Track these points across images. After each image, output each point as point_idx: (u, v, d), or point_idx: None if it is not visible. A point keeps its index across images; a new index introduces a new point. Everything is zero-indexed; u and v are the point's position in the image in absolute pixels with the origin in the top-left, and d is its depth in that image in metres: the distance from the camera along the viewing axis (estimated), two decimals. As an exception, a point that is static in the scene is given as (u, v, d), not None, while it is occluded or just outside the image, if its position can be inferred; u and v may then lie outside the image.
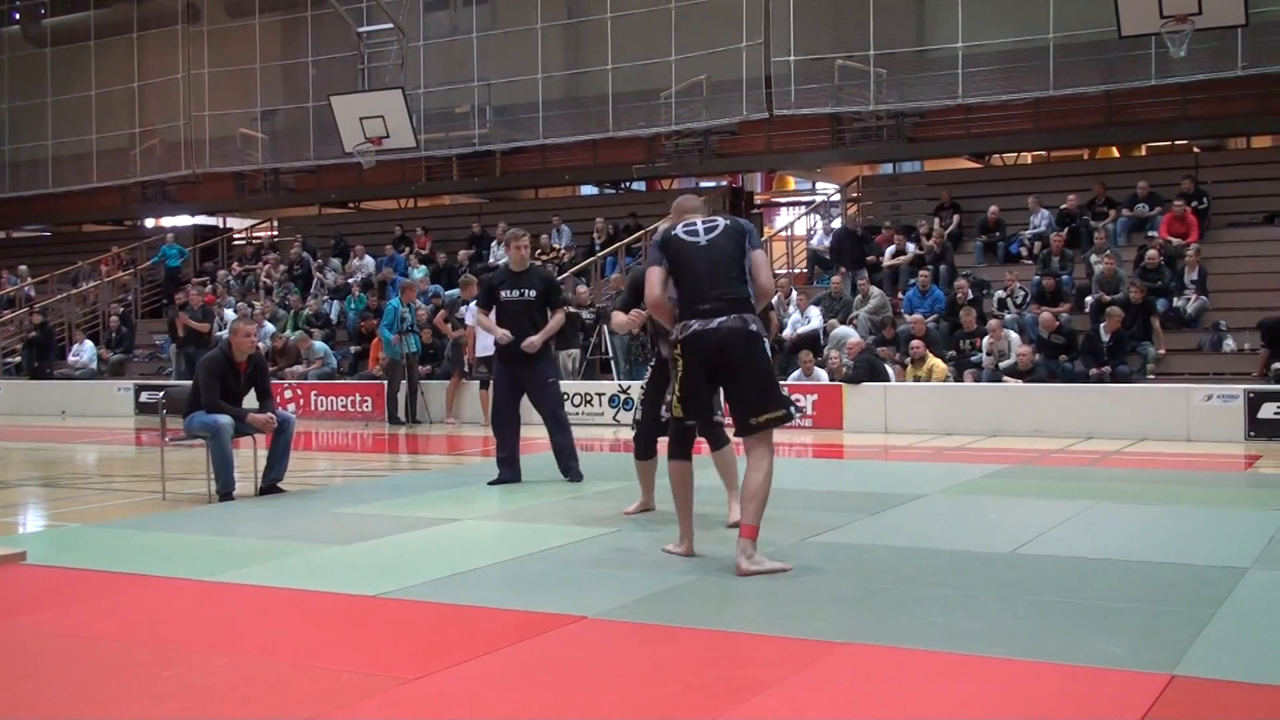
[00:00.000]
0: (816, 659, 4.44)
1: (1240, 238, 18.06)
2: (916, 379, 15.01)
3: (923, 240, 19.04)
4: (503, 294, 9.27)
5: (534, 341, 9.10)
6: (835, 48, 20.54)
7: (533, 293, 9.28)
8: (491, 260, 21.44)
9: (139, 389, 19.68)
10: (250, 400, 9.36)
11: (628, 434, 14.99)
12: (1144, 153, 22.00)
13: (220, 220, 29.59)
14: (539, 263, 9.53)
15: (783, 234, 23.84)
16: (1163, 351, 15.62)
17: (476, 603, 5.46)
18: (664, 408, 6.43)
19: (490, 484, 9.36)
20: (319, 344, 19.57)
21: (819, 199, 24.77)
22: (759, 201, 26.27)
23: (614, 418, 16.04)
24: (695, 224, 6.25)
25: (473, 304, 16.26)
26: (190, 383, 9.60)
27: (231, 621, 5.29)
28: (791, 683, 4.18)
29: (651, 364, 7.33)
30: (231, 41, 25.85)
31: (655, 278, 6.21)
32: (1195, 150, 20.53)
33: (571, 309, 17.77)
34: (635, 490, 9.09)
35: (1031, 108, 19.87)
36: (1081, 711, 3.89)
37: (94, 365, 22.28)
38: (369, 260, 22.64)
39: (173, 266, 25.42)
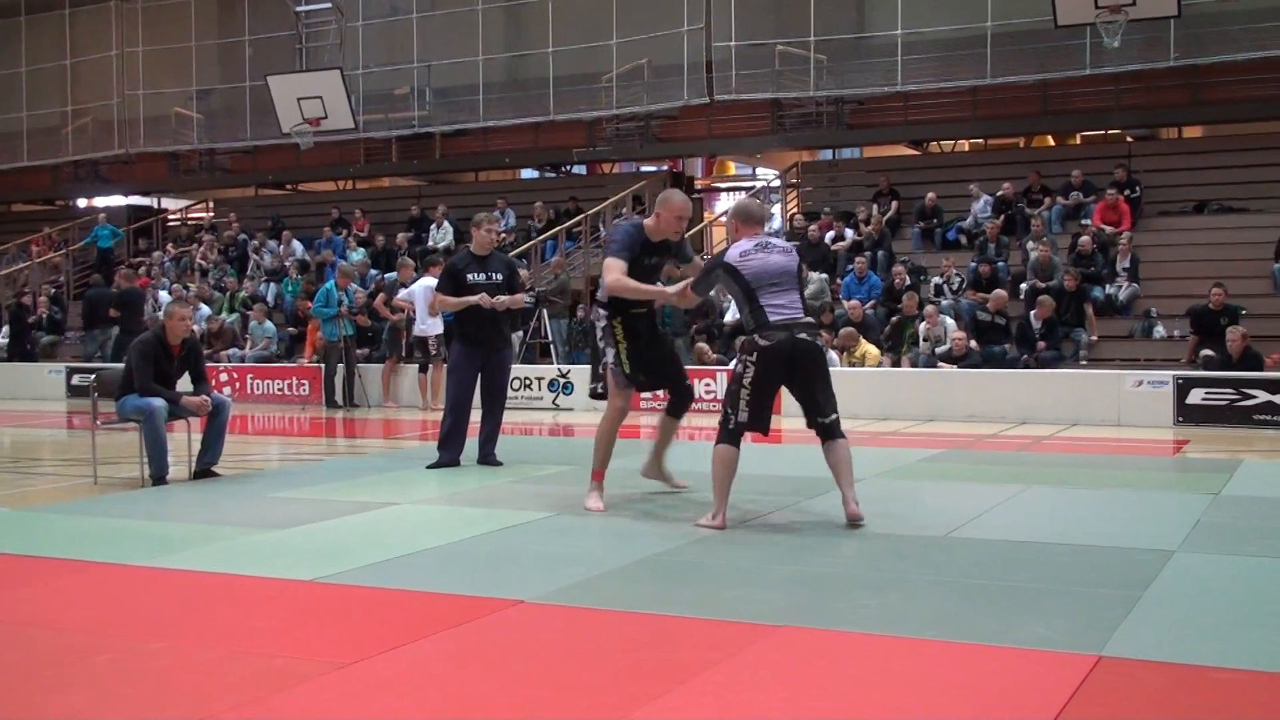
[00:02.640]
0: (752, 642, 4.48)
1: (1171, 226, 18.38)
2: (851, 365, 15.14)
3: (861, 226, 19.19)
4: (470, 278, 9.25)
5: (504, 300, 9.21)
6: (776, 33, 20.63)
7: (499, 277, 9.35)
8: (431, 243, 21.33)
9: (70, 371, 19.38)
10: (185, 384, 9.25)
11: (567, 418, 15.07)
12: (1078, 141, 22.30)
13: (154, 201, 29.17)
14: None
15: (723, 219, 23.88)
16: (1095, 338, 15.88)
17: (413, 587, 5.45)
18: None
19: (429, 468, 9.33)
20: (269, 324, 19.37)
21: (759, 184, 24.88)
22: (699, 186, 26.32)
23: (553, 402, 16.04)
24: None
25: (412, 286, 16.24)
26: (122, 364, 9.48)
27: (165, 607, 5.24)
28: (727, 666, 4.21)
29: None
30: (166, 19, 25.41)
31: None
32: (1128, 139, 20.85)
33: (542, 289, 17.76)
34: (577, 474, 9.11)
35: (969, 96, 20.10)
36: (1012, 692, 3.95)
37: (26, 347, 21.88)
38: (296, 245, 22.41)
39: (105, 247, 25.01)
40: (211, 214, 27.88)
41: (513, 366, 9.93)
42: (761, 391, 6.72)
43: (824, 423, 6.80)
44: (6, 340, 21.83)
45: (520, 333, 17.54)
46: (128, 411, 9.00)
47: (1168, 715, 3.78)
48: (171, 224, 28.53)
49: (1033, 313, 15.34)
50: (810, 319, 6.92)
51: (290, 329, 19.75)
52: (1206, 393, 13.03)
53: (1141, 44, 17.87)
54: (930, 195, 19.44)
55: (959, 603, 5.06)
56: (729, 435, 6.72)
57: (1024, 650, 4.35)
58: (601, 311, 7.40)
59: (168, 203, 29.41)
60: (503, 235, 21.10)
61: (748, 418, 6.69)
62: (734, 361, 6.90)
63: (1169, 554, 5.92)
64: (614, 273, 7.11)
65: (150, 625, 4.91)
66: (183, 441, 9.47)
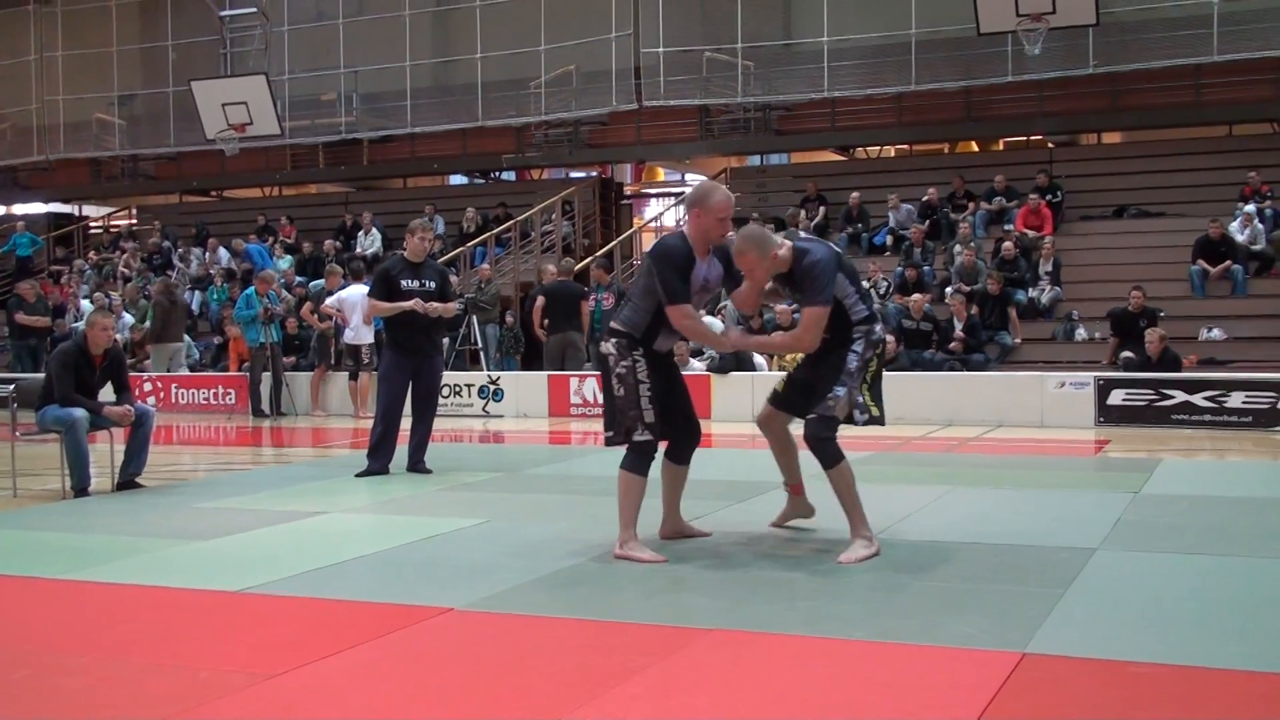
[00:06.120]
0: (681, 646, 4.50)
1: (1091, 230, 18.71)
2: (782, 369, 15.22)
3: (789, 231, 19.31)
4: (403, 284, 9.26)
5: (436, 307, 9.24)
6: (704, 40, 20.74)
7: (432, 284, 9.39)
8: (359, 250, 21.15)
9: (-12, 382, 18.99)
10: (107, 394, 9.10)
11: (497, 425, 15.01)
12: (1001, 147, 22.64)
13: (76, 208, 28.66)
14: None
15: (652, 225, 23.98)
16: (1018, 340, 16.11)
17: (342, 596, 5.40)
18: (857, 410, 6.18)
19: (358, 476, 9.26)
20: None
21: (688, 190, 24.95)
22: (629, 192, 26.37)
23: (483, 409, 15.97)
24: None
25: (340, 292, 16.08)
26: (41, 376, 9.31)
27: (86, 621, 5.15)
28: (656, 670, 4.22)
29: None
30: (87, 22, 24.99)
31: None
32: (1049, 145, 21.18)
33: (471, 295, 17.65)
34: (508, 481, 9.10)
35: (894, 102, 20.32)
36: (938, 690, 4.00)
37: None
38: (223, 253, 22.14)
39: (24, 256, 24.54)
40: (135, 221, 27.45)
41: (443, 373, 9.91)
42: None
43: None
44: None
45: (448, 339, 17.46)
46: (48, 422, 8.83)
47: (1090, 710, 3.84)
48: (93, 232, 28.05)
49: (953, 315, 15.66)
50: (612, 323, 6.09)
51: (216, 338, 19.48)
52: (1126, 393, 13.27)
53: (1062, 52, 18.20)
54: (854, 196, 19.60)
55: (885, 603, 5.12)
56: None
57: (949, 649, 4.40)
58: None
59: (89, 210, 28.92)
60: (433, 242, 20.99)
61: None
62: None
63: (1090, 552, 6.02)
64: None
65: (71, 640, 4.83)
66: (105, 452, 9.32)
